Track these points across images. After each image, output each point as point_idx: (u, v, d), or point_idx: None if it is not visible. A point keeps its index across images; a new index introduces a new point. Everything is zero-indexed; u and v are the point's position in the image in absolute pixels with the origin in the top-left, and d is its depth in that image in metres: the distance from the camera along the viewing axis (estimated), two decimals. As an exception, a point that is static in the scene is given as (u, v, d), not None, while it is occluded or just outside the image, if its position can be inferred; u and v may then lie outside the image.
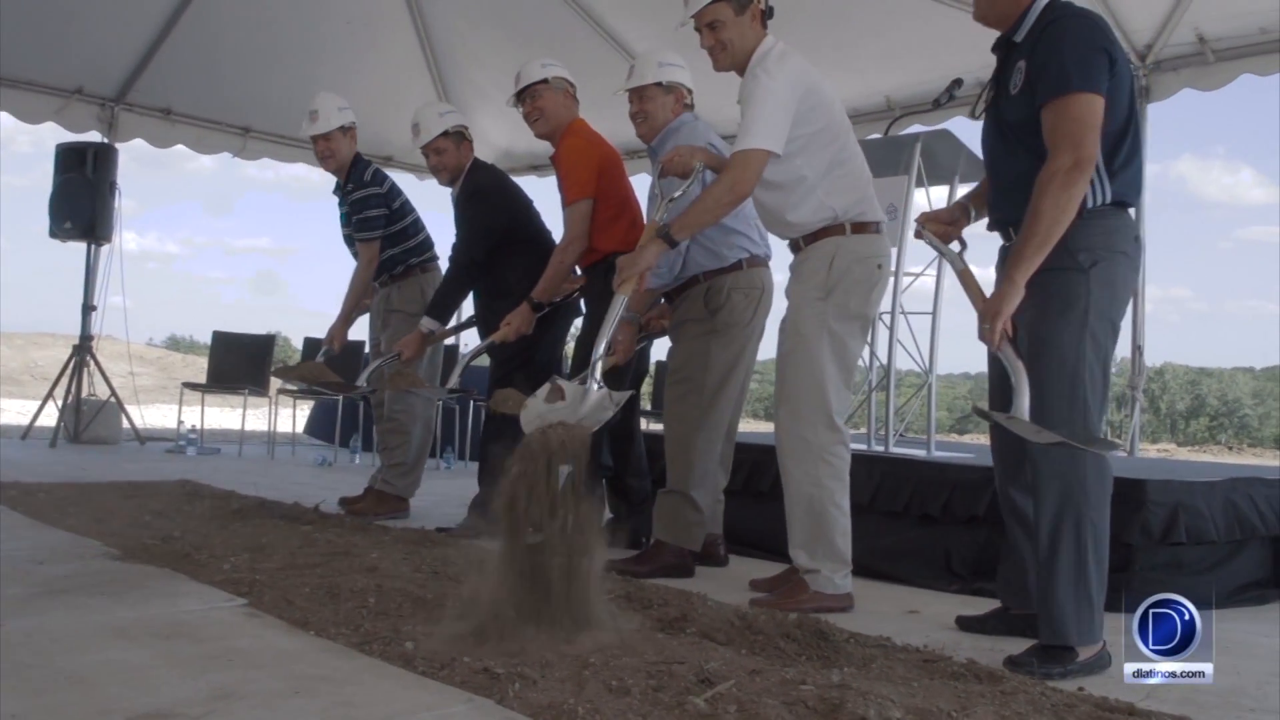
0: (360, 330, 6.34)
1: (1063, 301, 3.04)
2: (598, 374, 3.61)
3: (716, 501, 4.58)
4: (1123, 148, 3.09)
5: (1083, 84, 2.98)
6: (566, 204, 4.96)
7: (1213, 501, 4.23)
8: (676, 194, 3.94)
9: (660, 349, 5.37)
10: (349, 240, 5.92)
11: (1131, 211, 3.19)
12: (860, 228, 3.83)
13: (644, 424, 7.16)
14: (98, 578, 3.61)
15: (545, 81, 5.03)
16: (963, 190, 5.00)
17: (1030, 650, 3.08)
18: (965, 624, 3.57)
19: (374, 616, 3.12)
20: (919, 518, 4.54)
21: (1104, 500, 3.08)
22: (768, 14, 3.95)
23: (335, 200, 6.01)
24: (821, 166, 3.81)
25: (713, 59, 4.00)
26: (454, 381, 5.31)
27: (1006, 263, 3.07)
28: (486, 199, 5.42)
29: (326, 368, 5.86)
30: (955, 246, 3.39)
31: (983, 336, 3.05)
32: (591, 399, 3.53)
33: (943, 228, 3.41)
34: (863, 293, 3.84)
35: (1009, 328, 3.02)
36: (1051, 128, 3.01)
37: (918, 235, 3.44)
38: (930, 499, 4.50)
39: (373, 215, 5.79)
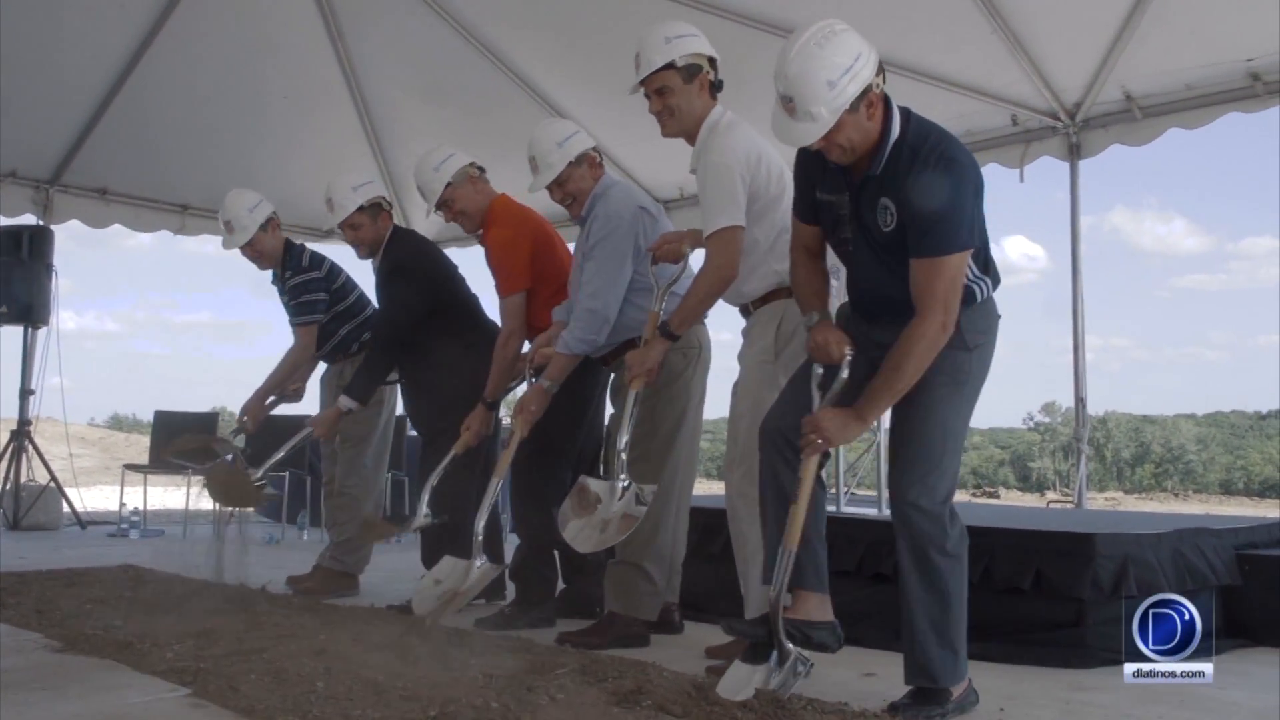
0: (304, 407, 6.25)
1: (952, 378, 3.25)
2: (625, 470, 3.92)
3: (673, 572, 4.53)
4: (987, 249, 3.30)
5: (957, 244, 3.11)
6: (501, 296, 4.86)
7: (1162, 553, 4.25)
8: (673, 282, 4.12)
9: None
10: (291, 324, 5.81)
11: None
12: None
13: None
14: (39, 671, 3.54)
15: (449, 185, 4.90)
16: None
17: (908, 695, 3.26)
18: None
19: (323, 701, 3.06)
20: (871, 577, 4.53)
21: (952, 551, 3.25)
22: (717, 86, 4.02)
23: (271, 284, 5.91)
24: (773, 233, 3.85)
25: (660, 123, 4.06)
26: (421, 521, 4.88)
27: (860, 399, 3.21)
28: (409, 276, 5.27)
29: (214, 439, 5.67)
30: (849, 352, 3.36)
31: (806, 448, 3.23)
32: (621, 497, 3.88)
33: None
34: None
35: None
36: (924, 286, 3.12)
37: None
38: (883, 558, 4.48)
39: (310, 300, 5.69)
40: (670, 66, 3.93)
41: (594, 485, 4.02)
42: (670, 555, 4.48)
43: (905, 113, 3.23)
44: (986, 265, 3.30)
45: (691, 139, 4.01)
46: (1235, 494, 34.98)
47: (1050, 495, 27.38)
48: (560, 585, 4.98)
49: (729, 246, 3.77)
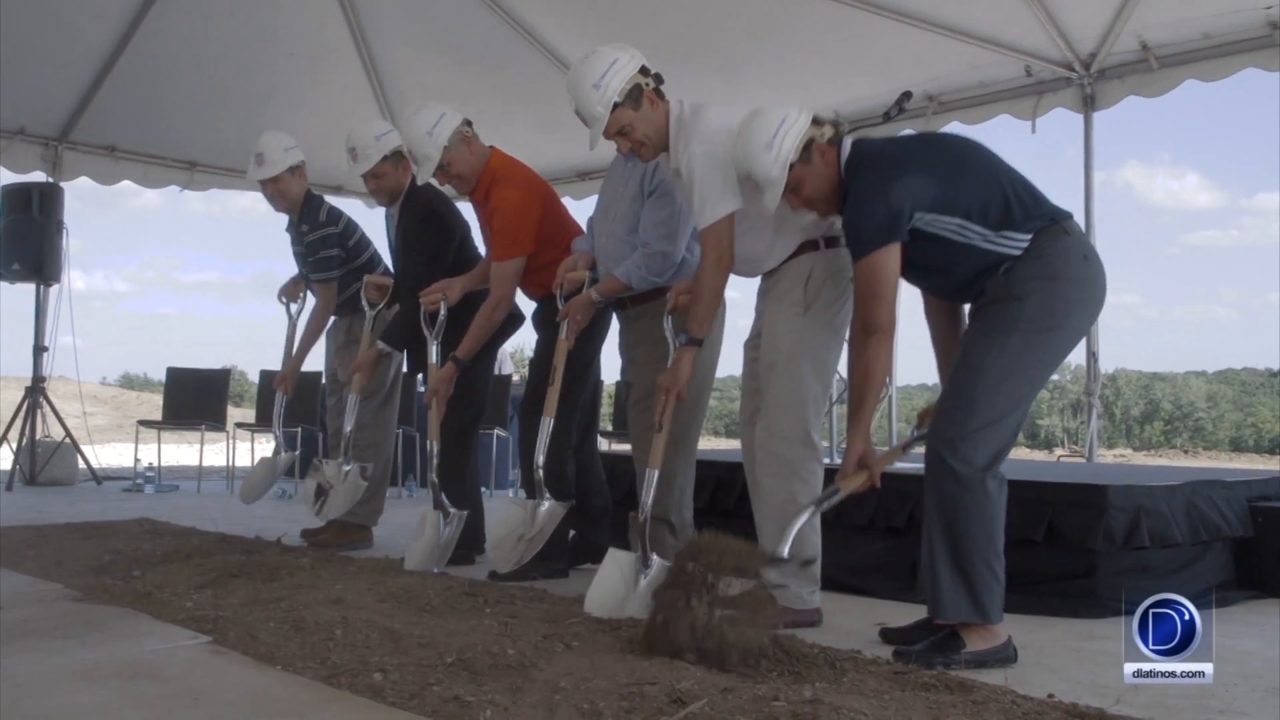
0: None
1: (996, 328, 3.30)
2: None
3: (685, 525, 4.54)
4: (1008, 204, 3.28)
5: (866, 246, 3.29)
6: (497, 258, 4.77)
7: (1174, 504, 4.27)
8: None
9: (609, 370, 5.33)
10: (306, 278, 5.85)
11: (1069, 227, 3.33)
12: (833, 242, 3.80)
13: (603, 444, 7.19)
14: (59, 620, 3.57)
15: (445, 148, 4.70)
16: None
17: (923, 643, 3.29)
18: (889, 636, 3.56)
19: (341, 648, 3.08)
20: (884, 530, 4.55)
21: (969, 485, 3.22)
22: (659, 81, 3.93)
23: (285, 232, 5.91)
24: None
25: (639, 156, 4.04)
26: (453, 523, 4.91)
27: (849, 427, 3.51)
28: (439, 223, 5.27)
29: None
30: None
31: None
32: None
33: None
34: (841, 306, 3.81)
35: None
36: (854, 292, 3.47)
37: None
38: (895, 511, 4.51)
39: (330, 255, 5.69)
40: (615, 107, 3.84)
41: None
42: (689, 507, 4.51)
43: (853, 147, 3.43)
44: (1002, 221, 3.25)
45: (668, 146, 3.95)
46: (1245, 451, 34.87)
47: (1059, 451, 27.34)
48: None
49: (721, 239, 3.75)
